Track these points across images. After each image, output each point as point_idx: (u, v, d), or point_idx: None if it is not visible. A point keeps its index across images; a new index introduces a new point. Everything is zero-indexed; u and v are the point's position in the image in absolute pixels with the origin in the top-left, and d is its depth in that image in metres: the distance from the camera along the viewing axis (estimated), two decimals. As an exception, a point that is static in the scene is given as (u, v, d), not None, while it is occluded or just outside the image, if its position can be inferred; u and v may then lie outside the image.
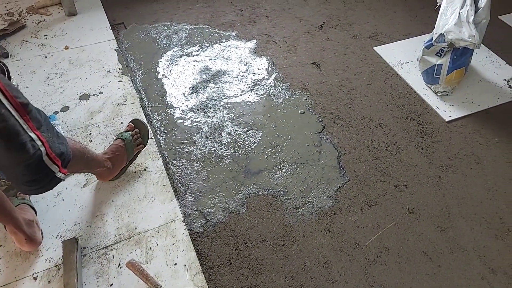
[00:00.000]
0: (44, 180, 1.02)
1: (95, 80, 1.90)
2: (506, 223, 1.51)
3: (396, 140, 1.78)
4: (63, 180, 1.06)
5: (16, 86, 0.95)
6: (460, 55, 1.83)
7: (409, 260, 1.39)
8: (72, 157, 1.09)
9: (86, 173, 1.37)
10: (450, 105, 1.94)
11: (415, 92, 2.00)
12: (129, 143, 1.48)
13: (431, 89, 2.00)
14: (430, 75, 1.95)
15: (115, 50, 2.07)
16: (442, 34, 1.80)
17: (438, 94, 1.97)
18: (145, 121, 1.60)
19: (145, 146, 1.56)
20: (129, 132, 1.52)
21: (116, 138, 1.51)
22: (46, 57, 2.00)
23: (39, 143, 0.95)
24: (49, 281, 1.23)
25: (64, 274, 1.18)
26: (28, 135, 0.92)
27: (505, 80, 2.09)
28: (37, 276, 1.24)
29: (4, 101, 0.86)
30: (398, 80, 2.07)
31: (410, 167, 1.68)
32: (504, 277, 1.36)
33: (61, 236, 1.34)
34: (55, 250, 1.30)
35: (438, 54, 1.89)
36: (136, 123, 1.57)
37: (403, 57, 2.20)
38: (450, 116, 1.88)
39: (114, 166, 1.43)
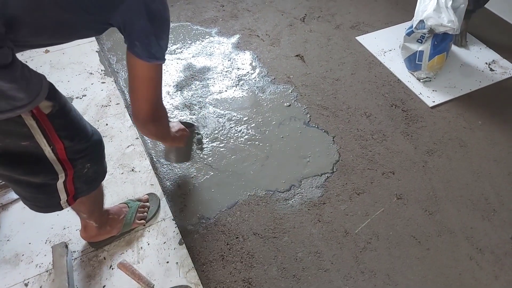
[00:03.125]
0: (43, 202, 0.98)
1: (78, 83, 1.88)
2: (491, 204, 1.54)
3: (381, 128, 1.80)
4: (63, 209, 1.00)
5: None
6: (441, 41, 1.85)
7: (398, 245, 1.41)
8: (89, 195, 1.06)
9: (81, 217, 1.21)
10: (433, 90, 1.96)
11: (398, 79, 2.02)
12: (131, 214, 1.33)
13: (414, 76, 2.02)
14: (412, 62, 1.97)
15: (96, 51, 2.04)
16: (422, 21, 1.82)
17: (421, 80, 1.99)
18: (160, 201, 1.45)
19: (144, 224, 1.38)
20: (138, 203, 1.38)
21: (123, 202, 1.38)
22: (26, 61, 1.97)
23: (60, 172, 0.90)
24: (40, 287, 1.23)
25: (55, 279, 1.18)
26: (51, 164, 0.87)
27: (486, 63, 2.12)
28: (28, 282, 1.23)
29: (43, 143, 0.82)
30: (382, 68, 2.09)
31: (397, 153, 1.70)
32: (491, 256, 1.39)
33: (50, 241, 1.33)
34: (45, 255, 1.29)
35: (419, 40, 1.91)
36: (152, 198, 1.43)
37: (386, 45, 2.21)
38: (434, 102, 1.91)
39: (105, 229, 1.27)
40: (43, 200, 0.97)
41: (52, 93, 0.81)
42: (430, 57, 1.89)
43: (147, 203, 1.41)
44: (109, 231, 1.29)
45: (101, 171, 1.07)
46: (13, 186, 0.93)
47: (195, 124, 1.51)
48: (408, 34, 1.94)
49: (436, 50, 1.86)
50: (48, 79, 0.78)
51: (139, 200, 1.41)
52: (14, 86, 0.68)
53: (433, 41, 1.85)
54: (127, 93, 1.91)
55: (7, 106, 0.70)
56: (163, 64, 0.89)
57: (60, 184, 0.93)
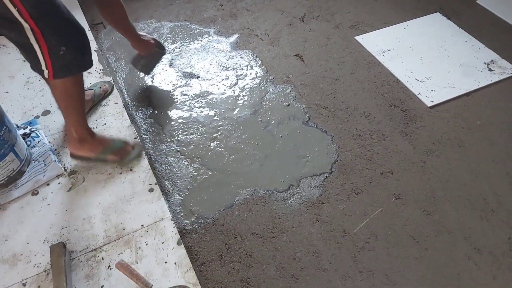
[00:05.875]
0: (32, 63, 1.18)
1: (76, 82, 1.87)
2: (489, 204, 1.54)
3: (380, 127, 1.80)
4: (45, 77, 1.20)
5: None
6: None
7: (397, 245, 1.41)
8: (69, 87, 1.25)
9: (65, 123, 1.46)
10: (432, 90, 1.96)
11: (397, 79, 2.02)
12: (111, 149, 1.50)
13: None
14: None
15: (94, 50, 2.04)
16: None
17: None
18: (142, 152, 1.60)
19: (120, 160, 1.54)
20: (121, 145, 1.53)
21: (113, 137, 1.59)
22: (25, 60, 1.96)
23: (32, 40, 1.08)
24: (38, 287, 1.22)
25: (53, 279, 1.18)
26: (23, 27, 1.05)
27: (485, 63, 2.12)
28: (26, 282, 1.23)
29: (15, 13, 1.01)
30: (381, 68, 2.09)
31: (395, 153, 1.70)
32: (489, 256, 1.39)
33: (48, 241, 1.33)
34: (43, 255, 1.29)
35: None
36: (136, 147, 1.57)
37: (385, 45, 2.21)
38: (432, 102, 1.91)
39: (84, 146, 1.46)
40: (32, 61, 1.18)
41: None
42: None
43: (130, 149, 1.55)
44: (87, 151, 1.48)
45: (81, 62, 1.23)
46: (13, 43, 1.15)
47: (166, 49, 1.89)
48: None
49: None
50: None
51: (125, 142, 1.56)
52: None
53: None
54: (125, 93, 1.91)
55: None
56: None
57: (39, 53, 1.11)
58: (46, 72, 1.16)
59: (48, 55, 1.12)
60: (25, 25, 1.04)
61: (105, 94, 1.78)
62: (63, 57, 1.14)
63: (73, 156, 1.51)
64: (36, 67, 1.19)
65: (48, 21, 1.08)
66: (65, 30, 1.14)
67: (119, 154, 1.52)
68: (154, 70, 1.97)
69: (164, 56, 1.95)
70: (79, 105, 1.35)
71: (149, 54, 1.79)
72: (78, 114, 1.37)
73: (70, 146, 1.49)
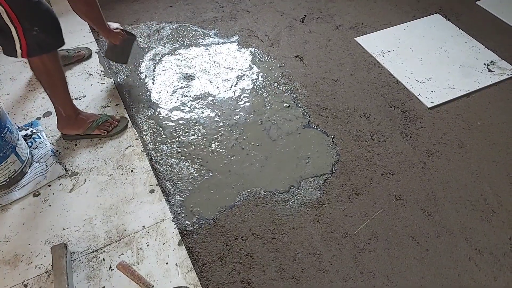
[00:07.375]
0: (5, 47, 1.30)
1: (77, 84, 1.88)
2: (490, 205, 1.54)
3: (380, 128, 1.80)
4: (17, 57, 1.30)
5: None
6: None
7: (397, 246, 1.41)
8: (46, 64, 1.36)
9: (52, 104, 1.53)
10: (432, 91, 1.96)
11: (397, 80, 2.03)
12: (97, 123, 1.61)
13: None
14: None
15: (95, 52, 2.04)
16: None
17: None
18: (128, 124, 1.72)
19: (105, 134, 1.64)
20: (108, 118, 1.65)
21: (99, 113, 1.70)
22: (26, 62, 1.97)
23: (8, 22, 1.20)
24: (39, 288, 1.23)
25: (55, 280, 1.18)
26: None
27: (485, 64, 2.12)
28: (28, 283, 1.24)
29: None
30: (381, 69, 2.09)
31: (396, 154, 1.70)
32: (490, 257, 1.40)
33: (50, 242, 1.33)
34: (45, 256, 1.30)
35: None
36: (122, 121, 1.70)
37: (385, 46, 2.21)
38: (433, 103, 1.91)
39: (72, 124, 1.58)
40: (6, 43, 1.28)
41: None
42: None
43: (116, 122, 1.66)
44: (76, 128, 1.59)
45: (54, 41, 1.36)
46: None
47: (136, 36, 1.88)
48: None
49: None
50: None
51: (111, 117, 1.66)
52: None
53: None
54: (126, 94, 1.91)
55: None
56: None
57: (15, 34, 1.23)
58: (19, 52, 1.28)
59: (23, 35, 1.25)
60: (1, 8, 1.17)
61: (81, 59, 1.93)
62: (36, 37, 1.27)
63: (64, 136, 1.62)
64: (9, 49, 1.30)
65: (22, 5, 1.21)
66: (37, 13, 1.26)
67: (104, 128, 1.63)
68: (130, 57, 1.94)
69: (165, 56, 2.00)
70: (61, 83, 1.46)
71: (122, 41, 1.75)
72: (63, 92, 1.49)
73: (60, 127, 1.59)
